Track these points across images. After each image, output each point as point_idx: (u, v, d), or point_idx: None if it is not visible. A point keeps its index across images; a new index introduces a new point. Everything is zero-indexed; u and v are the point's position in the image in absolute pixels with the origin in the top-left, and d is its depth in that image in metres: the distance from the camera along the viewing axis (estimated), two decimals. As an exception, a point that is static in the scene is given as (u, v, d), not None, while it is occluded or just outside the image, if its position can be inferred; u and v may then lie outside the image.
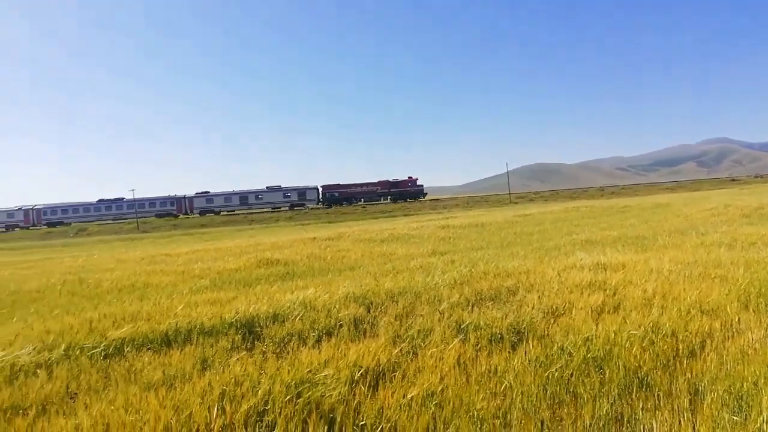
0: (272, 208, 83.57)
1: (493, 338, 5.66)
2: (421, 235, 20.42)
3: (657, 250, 11.70)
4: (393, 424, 3.79)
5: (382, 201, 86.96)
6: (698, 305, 6.30)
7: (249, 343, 5.97)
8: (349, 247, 17.30)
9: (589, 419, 3.71)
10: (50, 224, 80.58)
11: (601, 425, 3.66)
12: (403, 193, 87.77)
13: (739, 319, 5.79)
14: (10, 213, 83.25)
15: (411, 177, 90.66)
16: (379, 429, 3.74)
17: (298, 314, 6.83)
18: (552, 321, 6.20)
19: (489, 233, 20.09)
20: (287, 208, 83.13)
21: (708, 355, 4.74)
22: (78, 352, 5.76)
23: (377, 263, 12.64)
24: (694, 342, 5.12)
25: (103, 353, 5.75)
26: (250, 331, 6.36)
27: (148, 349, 5.92)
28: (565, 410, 3.89)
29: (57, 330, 6.76)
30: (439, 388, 4.28)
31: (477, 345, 5.47)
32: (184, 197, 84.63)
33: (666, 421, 3.62)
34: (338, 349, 5.37)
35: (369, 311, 7.10)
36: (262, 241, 21.86)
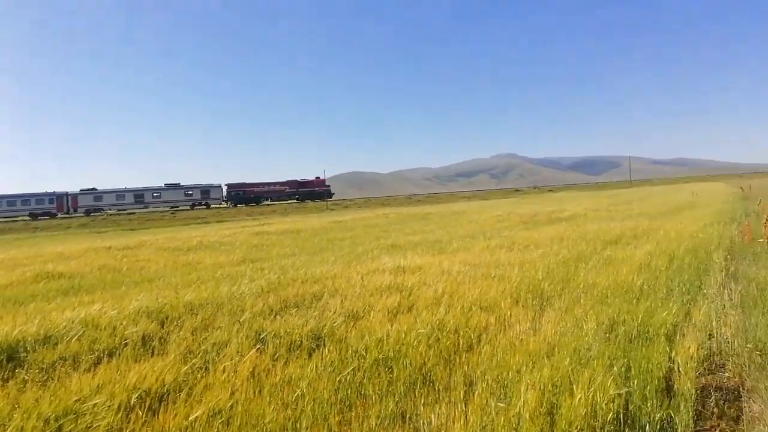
0: (171, 207, 75.91)
1: (292, 346, 5.61)
2: (233, 243, 19.59)
3: (451, 253, 12.79)
4: (170, 450, 3.46)
5: (290, 200, 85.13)
6: (479, 302, 7.01)
7: (7, 372, 5.03)
8: (150, 256, 15.81)
9: (375, 420, 3.82)
10: None
11: (386, 425, 3.79)
12: (311, 193, 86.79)
13: (510, 313, 6.53)
14: None
15: (319, 177, 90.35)
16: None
17: (76, 334, 5.99)
18: (352, 324, 6.35)
19: (303, 239, 20.09)
20: (188, 208, 77.45)
21: (483, 348, 5.25)
22: None
23: (181, 273, 11.77)
24: (472, 337, 5.66)
25: None
26: (10, 358, 5.37)
27: None
28: (354, 413, 3.96)
29: None
30: (229, 405, 4.05)
31: (275, 354, 5.36)
32: (66, 194, 73.66)
33: (443, 413, 3.89)
34: (117, 372, 4.82)
35: (163, 326, 6.54)
36: (45, 251, 18.91)
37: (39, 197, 72.46)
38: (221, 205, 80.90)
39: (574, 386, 3.98)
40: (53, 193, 73.52)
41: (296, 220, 36.49)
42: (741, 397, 4.10)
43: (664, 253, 10.03)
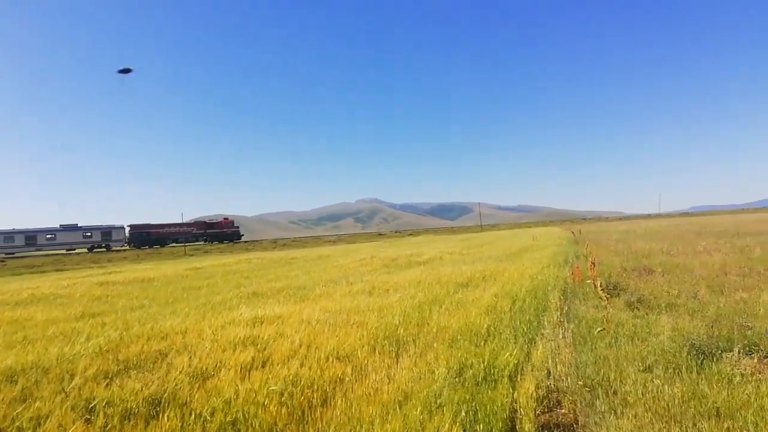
0: (67, 250, 69.97)
1: (127, 415, 4.97)
2: (72, 295, 17.39)
3: (313, 299, 12.56)
4: None
5: (199, 242, 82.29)
6: (336, 352, 6.86)
7: None
8: (-36, 314, 13.44)
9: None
10: None
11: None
12: (220, 234, 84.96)
13: (367, 362, 6.47)
14: None
15: (227, 218, 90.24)
16: None
17: None
18: (199, 385, 5.84)
19: (155, 289, 18.47)
20: (86, 250, 70.88)
21: (338, 402, 5.08)
22: None
23: (3, 333, 10.10)
24: (328, 390, 5.48)
25: None
26: None
27: None
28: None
29: None
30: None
31: (105, 426, 4.71)
32: None
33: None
34: None
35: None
36: None
37: None
38: (123, 248, 75.41)
39: (424, 437, 3.98)
40: None
41: (148, 268, 33.66)
42: (575, 433, 4.39)
43: (508, 294, 10.77)
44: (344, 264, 25.41)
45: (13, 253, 67.05)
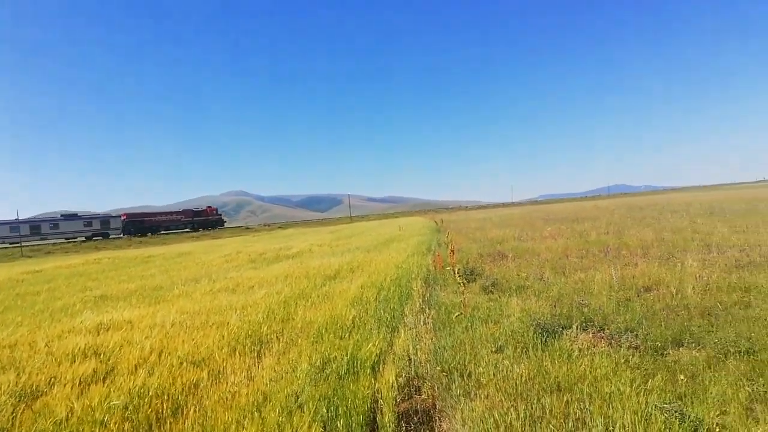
0: (66, 239, 72.06)
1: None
2: None
3: (170, 300, 11.74)
4: None
5: (186, 229, 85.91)
6: (191, 357, 6.43)
7: None
8: None
9: None
10: None
11: None
12: (205, 222, 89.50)
13: (226, 365, 6.11)
14: None
15: (210, 207, 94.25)
16: None
17: None
18: (26, 406, 5.09)
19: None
20: (84, 239, 72.91)
21: (190, 411, 4.71)
22: None
23: None
24: (180, 399, 5.06)
25: None
26: None
27: None
28: None
29: None
30: None
31: None
32: None
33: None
34: None
35: None
36: None
37: None
38: (120, 236, 77.41)
39: (280, 440, 3.81)
40: None
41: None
42: (432, 419, 4.49)
43: (374, 284, 10.92)
44: (207, 261, 24.19)
45: (19, 242, 67.50)
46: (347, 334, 7.01)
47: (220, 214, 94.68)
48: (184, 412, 4.74)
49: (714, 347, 5.30)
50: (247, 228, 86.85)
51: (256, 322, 8.17)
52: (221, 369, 6.00)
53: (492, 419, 3.92)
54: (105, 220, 78.50)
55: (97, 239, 73.66)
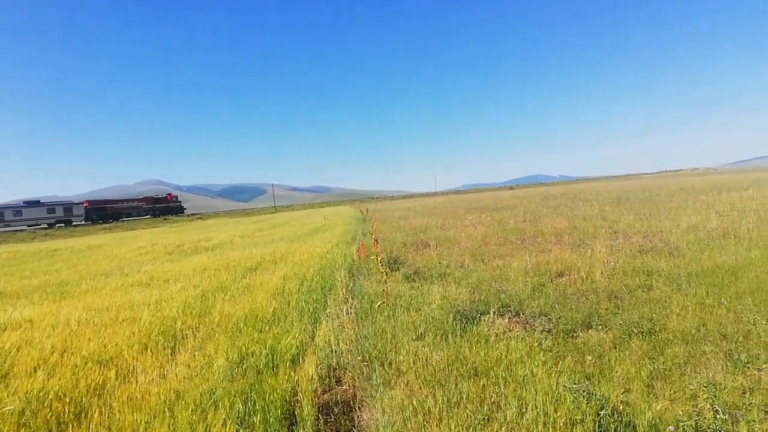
0: (29, 226, 71.66)
1: None
2: None
3: (77, 296, 10.99)
4: None
5: (147, 216, 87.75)
6: (98, 356, 6.01)
7: None
8: None
9: None
10: None
11: None
12: (166, 209, 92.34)
13: (136, 362, 5.78)
14: None
15: (170, 194, 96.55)
16: None
17: None
18: None
19: None
20: (46, 226, 72.79)
21: (95, 413, 4.40)
22: None
23: None
24: (83, 401, 4.71)
25: None
26: None
27: None
28: None
29: None
30: None
31: None
32: None
33: None
34: None
35: None
36: None
37: None
38: (82, 223, 77.45)
39: (192, 441, 3.63)
40: None
41: None
42: (353, 409, 4.46)
43: (297, 275, 10.74)
44: (120, 254, 22.87)
45: None
46: (267, 327, 6.83)
47: (180, 201, 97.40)
48: (89, 415, 4.42)
49: (619, 328, 5.62)
50: (165, 219, 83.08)
51: (171, 317, 7.79)
52: (131, 368, 5.66)
53: (411, 407, 3.94)
54: (68, 207, 78.35)
55: (60, 226, 73.63)
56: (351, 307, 7.59)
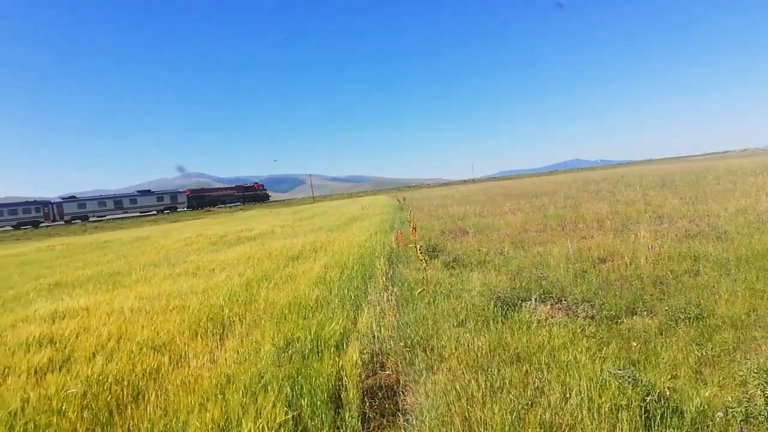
0: (141, 212, 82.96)
1: None
2: None
3: (128, 286, 11.47)
4: None
5: (238, 204, 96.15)
6: (151, 342, 6.30)
7: None
8: None
9: None
10: None
11: None
12: (254, 196, 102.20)
13: (188, 348, 6.02)
14: None
15: (257, 183, 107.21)
16: None
17: None
18: (-23, 398, 4.89)
19: None
20: (155, 212, 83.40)
21: (152, 396, 4.63)
22: None
23: None
24: (141, 384, 4.98)
25: None
26: None
27: None
28: None
29: None
30: None
31: None
32: (50, 203, 74.95)
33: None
34: None
35: None
36: None
37: (26, 206, 71.97)
38: (186, 209, 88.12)
39: (244, 421, 3.78)
40: (39, 202, 73.94)
41: None
42: (397, 393, 4.55)
43: (337, 264, 10.91)
44: (166, 245, 23.66)
45: (104, 216, 77.75)
46: (311, 314, 7.00)
47: (266, 190, 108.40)
48: (146, 398, 4.67)
49: (665, 314, 5.52)
50: (208, 210, 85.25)
51: (218, 305, 8.07)
52: (183, 353, 5.92)
53: (454, 391, 3.99)
54: (174, 195, 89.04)
55: (167, 212, 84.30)
56: (391, 295, 7.67)
